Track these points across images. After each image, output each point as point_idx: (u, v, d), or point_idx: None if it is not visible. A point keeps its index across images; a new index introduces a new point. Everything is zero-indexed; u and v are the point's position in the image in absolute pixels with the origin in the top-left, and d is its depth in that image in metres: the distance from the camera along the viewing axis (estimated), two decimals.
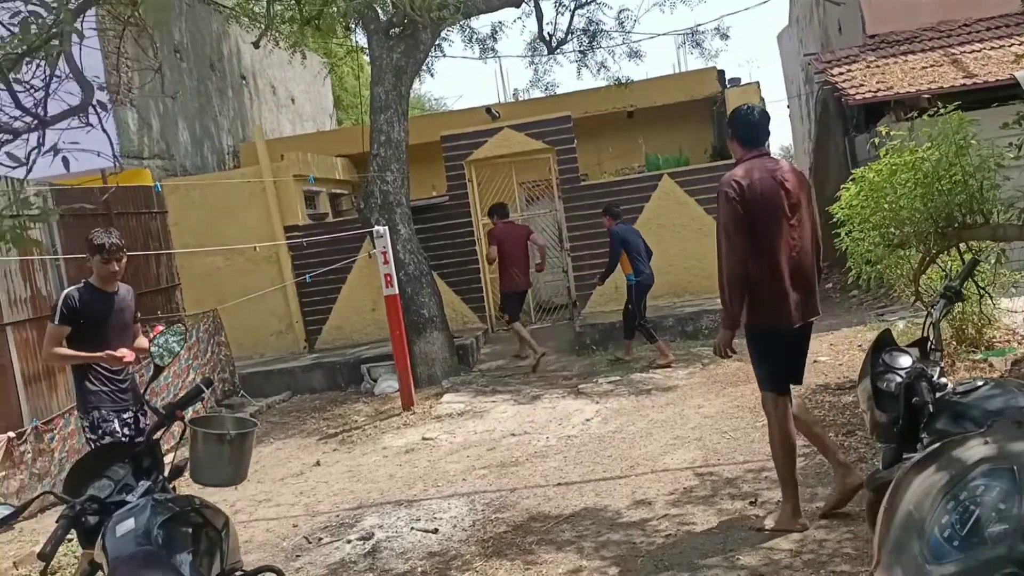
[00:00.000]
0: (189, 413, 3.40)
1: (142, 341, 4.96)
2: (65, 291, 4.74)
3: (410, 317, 9.08)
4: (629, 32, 12.06)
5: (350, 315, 11.15)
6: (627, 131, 13.41)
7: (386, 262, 8.33)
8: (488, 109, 13.17)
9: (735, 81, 12.58)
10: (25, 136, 3.52)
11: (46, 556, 2.56)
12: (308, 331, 11.28)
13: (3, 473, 6.31)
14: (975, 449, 1.48)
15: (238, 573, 2.80)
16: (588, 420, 6.91)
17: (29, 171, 3.36)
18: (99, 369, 4.68)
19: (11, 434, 6.41)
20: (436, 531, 4.92)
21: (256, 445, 3.44)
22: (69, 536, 2.75)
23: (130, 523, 2.56)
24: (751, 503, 4.51)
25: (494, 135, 11.29)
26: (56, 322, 4.62)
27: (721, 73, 13.19)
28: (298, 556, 4.90)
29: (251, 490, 6.32)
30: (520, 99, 18.19)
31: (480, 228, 11.32)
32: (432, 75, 21.77)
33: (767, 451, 4.47)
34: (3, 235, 3.42)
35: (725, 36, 12.38)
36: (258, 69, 15.97)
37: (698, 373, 8.03)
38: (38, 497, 3.01)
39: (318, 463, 6.95)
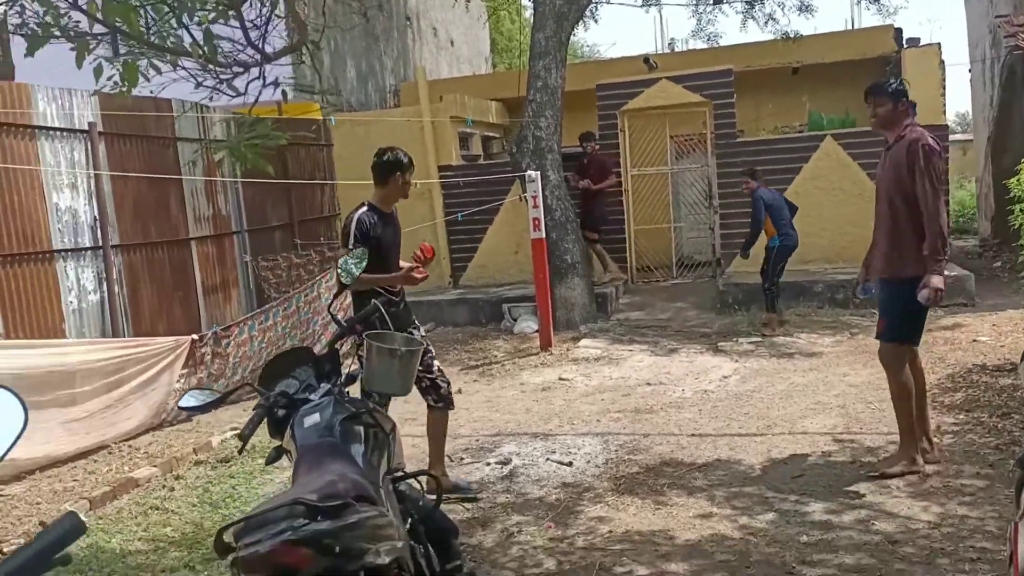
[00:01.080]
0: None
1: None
2: (355, 214, 4.53)
3: (553, 262, 9.29)
4: None
5: (494, 255, 11.46)
6: (790, 88, 12.95)
7: (535, 206, 8.54)
8: (646, 59, 13.02)
9: (913, 41, 11.86)
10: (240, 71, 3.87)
11: (244, 436, 2.95)
12: (454, 268, 11.70)
13: (186, 371, 7.02)
14: None
15: (400, 473, 3.13)
16: (726, 377, 6.95)
17: (255, 102, 3.72)
18: (380, 292, 4.48)
19: (194, 337, 7.09)
20: (570, 464, 5.17)
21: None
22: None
23: (315, 417, 2.89)
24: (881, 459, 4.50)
25: (651, 86, 11.20)
26: (350, 246, 4.40)
27: (899, 32, 12.47)
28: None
29: (399, 408, 6.71)
30: (677, 50, 17.87)
31: (629, 179, 11.33)
32: (596, 21, 21.67)
33: None
34: (242, 156, 3.82)
35: None
36: (421, 10, 16.37)
37: (845, 342, 7.86)
38: (239, 388, 3.42)
39: (459, 391, 7.30)
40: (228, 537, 2.18)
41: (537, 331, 8.95)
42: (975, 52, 15.26)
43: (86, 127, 7.63)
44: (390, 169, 4.59)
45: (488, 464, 5.34)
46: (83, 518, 1.45)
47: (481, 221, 11.24)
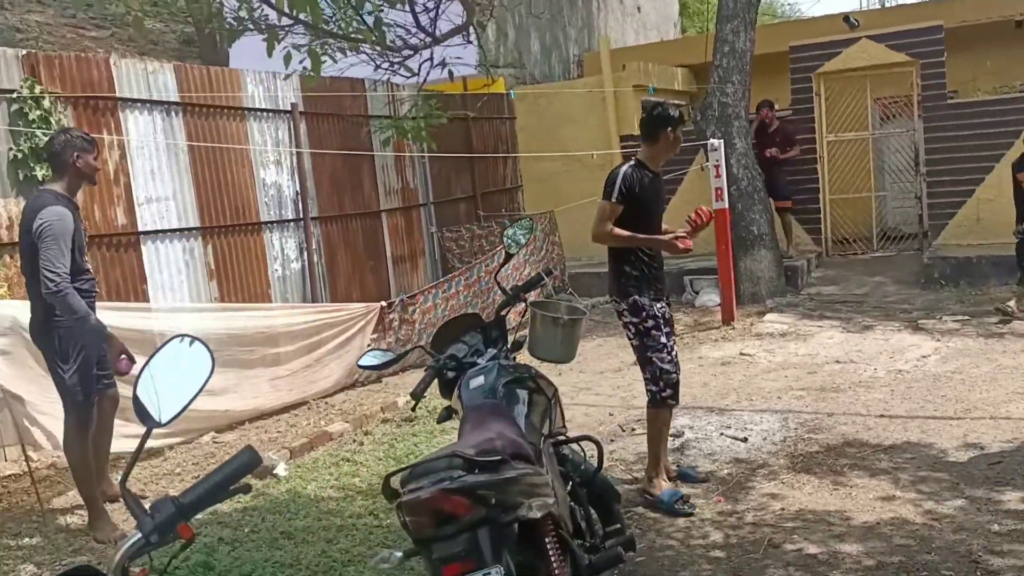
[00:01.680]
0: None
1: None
2: (622, 168, 4.27)
3: (738, 233, 9.00)
4: None
5: (677, 227, 11.24)
6: (1010, 44, 11.70)
7: (718, 176, 8.30)
8: (847, 17, 12.19)
9: None
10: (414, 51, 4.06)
11: (416, 395, 3.13)
12: None
13: (375, 335, 7.46)
14: None
15: (562, 436, 3.20)
16: (924, 357, 6.48)
17: (424, 80, 3.90)
18: (641, 254, 4.26)
19: (383, 303, 7.52)
20: (745, 440, 5.04)
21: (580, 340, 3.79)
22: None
23: (480, 380, 3.02)
24: None
25: (849, 46, 10.50)
26: (613, 199, 4.18)
27: None
28: (612, 440, 5.29)
29: (573, 379, 6.85)
30: (885, 5, 16.61)
31: (824, 145, 10.73)
32: None
33: None
34: (405, 133, 4.04)
35: None
36: None
37: None
38: (412, 349, 3.62)
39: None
40: (395, 483, 2.34)
41: (719, 304, 8.72)
42: None
43: (289, 108, 8.22)
44: (660, 124, 4.30)
45: None
46: (259, 453, 1.61)
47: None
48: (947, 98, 10.12)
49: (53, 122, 6.14)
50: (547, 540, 2.46)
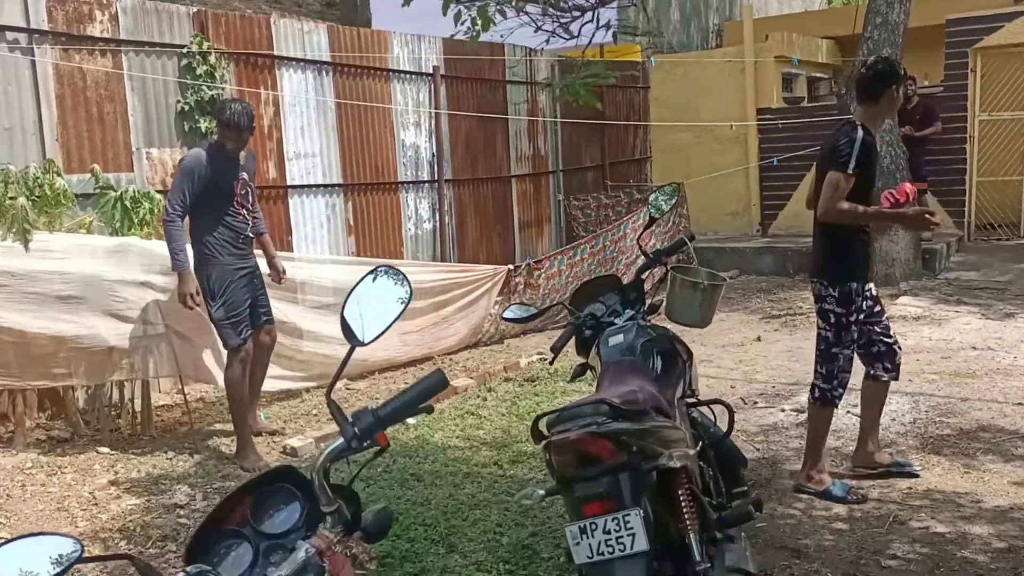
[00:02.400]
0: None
1: None
2: (857, 135, 3.76)
3: None
4: None
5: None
6: None
7: None
8: None
9: None
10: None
11: (556, 348, 3.30)
12: (764, 215, 11.40)
13: (500, 298, 7.69)
14: None
15: (692, 400, 3.30)
16: None
17: (589, 44, 4.00)
18: (864, 234, 3.93)
19: (510, 267, 7.74)
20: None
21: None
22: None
23: (619, 338, 3.16)
24: None
25: (1014, 19, 9.91)
26: (850, 170, 3.71)
27: None
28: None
29: (695, 351, 6.86)
30: None
31: (975, 125, 10.21)
32: None
33: None
34: (576, 92, 4.17)
35: None
36: None
37: None
38: (553, 306, 3.80)
39: (759, 338, 7.27)
40: (542, 426, 2.52)
41: None
42: None
43: (431, 71, 8.49)
44: (885, 81, 3.87)
45: (783, 410, 5.32)
46: (447, 376, 1.80)
47: (799, 168, 10.76)
48: None
49: (217, 77, 6.60)
50: (680, 492, 2.59)
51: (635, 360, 3.02)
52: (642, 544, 2.31)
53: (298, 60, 7.32)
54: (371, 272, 1.81)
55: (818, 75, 13.14)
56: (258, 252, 5.35)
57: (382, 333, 1.75)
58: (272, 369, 6.16)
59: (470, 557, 3.61)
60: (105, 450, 5.15)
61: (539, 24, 4.53)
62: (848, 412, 5.14)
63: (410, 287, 1.79)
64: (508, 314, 3.47)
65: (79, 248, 5.23)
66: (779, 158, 10.26)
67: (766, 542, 3.59)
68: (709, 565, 2.52)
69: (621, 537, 2.33)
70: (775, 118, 10.82)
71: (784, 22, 13.57)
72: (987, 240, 10.32)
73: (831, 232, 3.88)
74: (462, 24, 4.31)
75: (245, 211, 5.05)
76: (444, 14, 3.93)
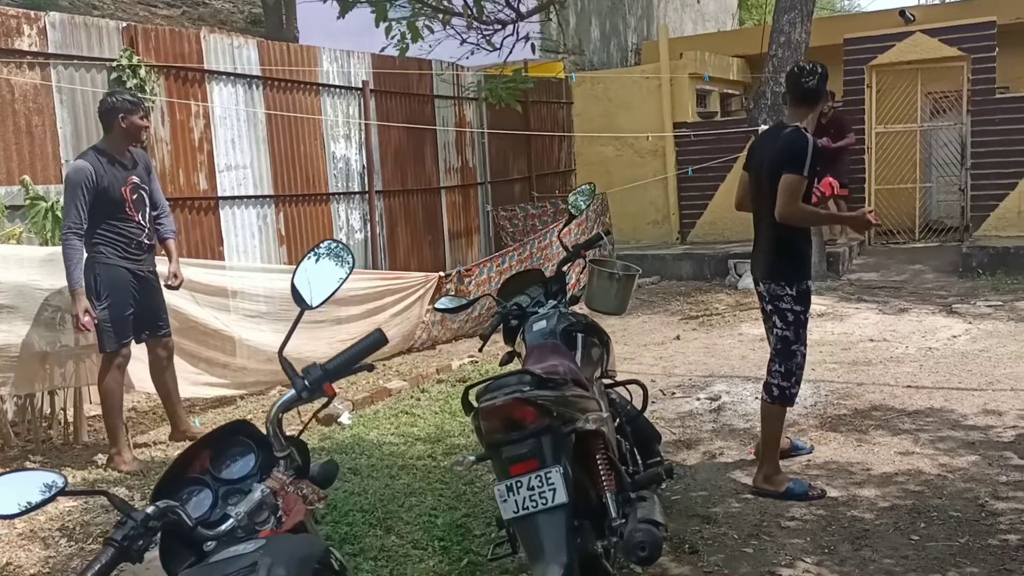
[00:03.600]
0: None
1: None
2: (810, 138, 3.89)
3: None
4: None
5: (724, 213, 11.50)
6: None
7: None
8: (902, 12, 12.35)
9: None
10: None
11: (484, 336, 3.59)
12: (682, 223, 11.93)
13: (432, 305, 7.93)
14: None
15: (608, 381, 3.62)
16: (955, 336, 6.77)
17: (509, 55, 4.32)
18: (810, 234, 4.12)
19: (442, 273, 7.99)
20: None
21: (623, 317, 4.09)
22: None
23: (543, 323, 3.46)
24: None
25: (903, 39, 10.68)
26: (805, 173, 3.82)
27: None
28: (652, 403, 5.68)
29: (617, 350, 7.19)
30: (943, 0, 16.59)
31: (872, 136, 10.93)
32: None
33: None
34: (499, 95, 4.47)
35: None
36: None
37: None
38: (482, 297, 4.07)
39: (678, 337, 7.69)
40: (472, 397, 2.79)
41: None
42: None
43: (360, 85, 8.71)
44: (823, 82, 4.03)
45: (698, 399, 5.71)
46: (386, 335, 2.06)
47: (713, 178, 11.35)
48: (996, 93, 10.25)
49: (148, 90, 6.71)
50: (598, 456, 2.89)
51: (557, 342, 3.32)
52: (562, 497, 2.60)
53: (228, 74, 7.46)
54: (319, 244, 2.06)
55: (729, 91, 13.82)
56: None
57: (327, 299, 2.00)
58: (205, 376, 6.28)
59: (406, 537, 3.84)
60: (39, 458, 5.19)
61: (464, 37, 4.82)
62: (756, 398, 5.55)
63: (353, 259, 2.04)
64: (440, 304, 3.74)
65: (9, 259, 5.24)
66: (693, 168, 10.78)
67: (680, 512, 3.92)
68: (624, 520, 2.83)
69: (543, 492, 2.61)
70: (691, 131, 11.37)
71: (698, 42, 14.23)
72: (885, 244, 11.04)
73: (783, 234, 3.93)
74: (393, 37, 4.57)
75: (140, 216, 4.97)
76: (377, 25, 4.18)
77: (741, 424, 5.11)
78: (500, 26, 4.38)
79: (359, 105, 8.77)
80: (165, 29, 7.22)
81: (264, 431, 1.93)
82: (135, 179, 5.01)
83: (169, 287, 5.17)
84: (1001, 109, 10.00)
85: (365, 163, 8.82)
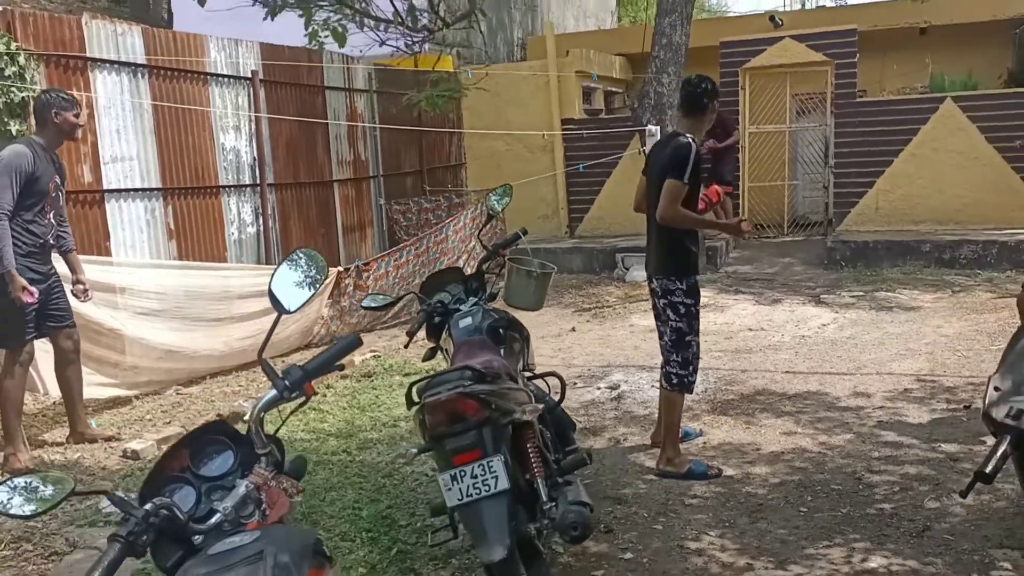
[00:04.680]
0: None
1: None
2: (692, 146, 4.17)
3: None
4: None
5: (611, 208, 11.94)
6: (916, 49, 12.80)
7: None
8: (772, 17, 13.11)
9: None
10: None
11: (411, 332, 3.72)
12: (571, 218, 12.28)
13: (330, 300, 7.93)
14: None
15: (529, 374, 3.82)
16: (824, 325, 7.37)
17: (421, 50, 4.36)
18: (697, 234, 4.44)
19: (340, 268, 7.99)
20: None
21: (522, 310, 4.29)
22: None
23: (468, 320, 3.62)
24: (964, 407, 4.91)
25: (774, 44, 11.36)
26: (686, 179, 4.12)
27: None
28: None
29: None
30: (807, 7, 17.68)
31: (746, 136, 11.60)
32: None
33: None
34: (435, 102, 4.57)
35: None
36: None
37: (945, 299, 8.10)
38: (405, 296, 4.19)
39: (573, 329, 8.00)
40: (414, 393, 2.93)
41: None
42: None
43: (249, 75, 8.56)
44: (709, 96, 4.34)
45: (599, 388, 6.00)
46: (361, 337, 2.17)
47: (600, 174, 11.74)
48: (856, 96, 11.09)
49: (28, 78, 6.41)
50: (529, 445, 3.09)
51: (483, 338, 3.49)
52: (504, 484, 2.78)
53: (112, 62, 7.20)
54: (292, 252, 2.16)
55: (613, 89, 14.29)
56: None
57: (303, 305, 2.10)
58: (97, 377, 6.09)
59: (333, 530, 3.93)
60: None
61: (383, 39, 4.90)
62: (652, 386, 5.90)
63: (326, 267, 2.15)
64: (367, 303, 3.83)
65: None
66: (584, 164, 11.14)
67: (592, 494, 4.13)
68: (554, 504, 3.03)
69: (486, 479, 2.78)
70: (578, 128, 11.73)
71: (581, 39, 14.62)
72: (757, 238, 11.75)
73: (672, 234, 4.25)
74: (317, 37, 4.60)
75: (51, 216, 4.99)
76: (307, 28, 4.19)
77: (641, 411, 5.43)
78: (429, 33, 4.50)
79: (248, 95, 8.61)
80: (45, 15, 6.90)
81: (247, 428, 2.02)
82: (58, 179, 5.03)
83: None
84: (861, 112, 10.81)
85: (256, 155, 8.68)
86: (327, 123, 9.65)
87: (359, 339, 2.17)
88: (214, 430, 2.04)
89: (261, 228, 8.76)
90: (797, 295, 8.69)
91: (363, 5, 4.61)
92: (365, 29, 4.87)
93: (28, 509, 1.72)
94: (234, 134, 8.50)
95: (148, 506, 1.74)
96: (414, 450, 2.93)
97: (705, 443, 4.78)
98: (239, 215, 8.57)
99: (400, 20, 4.44)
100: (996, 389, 1.97)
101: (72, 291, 5.24)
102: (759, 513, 3.88)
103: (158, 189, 7.63)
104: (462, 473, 2.79)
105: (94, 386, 6.01)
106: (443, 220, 9.78)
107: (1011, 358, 2.05)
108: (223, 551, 1.72)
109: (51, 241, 5.04)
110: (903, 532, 3.60)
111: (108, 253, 7.11)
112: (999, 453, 1.79)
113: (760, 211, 11.90)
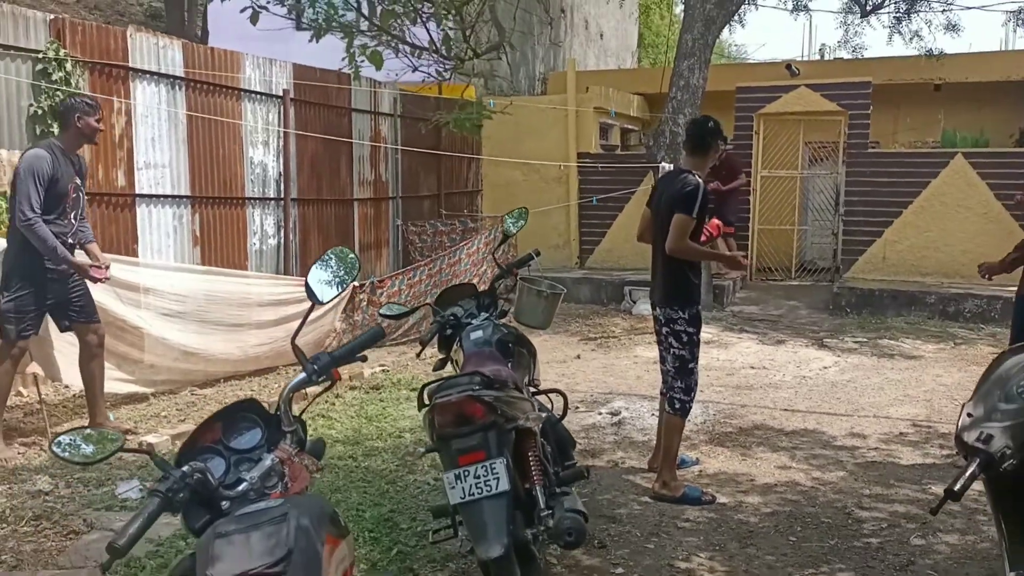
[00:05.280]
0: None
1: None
2: (699, 183, 4.42)
3: None
4: (950, 3, 11.68)
5: (621, 242, 12.15)
6: (929, 104, 13.08)
7: None
8: (788, 66, 13.42)
9: None
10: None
11: (424, 341, 3.90)
12: (582, 249, 12.49)
13: (344, 314, 8.14)
14: None
15: (533, 389, 4.00)
16: (825, 367, 7.52)
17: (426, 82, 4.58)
18: (699, 266, 4.70)
19: (356, 284, 8.20)
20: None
21: (531, 334, 4.49)
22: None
23: (479, 333, 3.80)
24: (958, 454, 5.04)
25: (789, 92, 11.63)
26: (694, 215, 4.37)
27: None
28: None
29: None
30: (825, 58, 18.01)
31: (758, 180, 11.82)
32: (743, 25, 21.82)
33: None
34: (462, 125, 4.82)
35: None
36: (576, 3, 17.15)
37: (948, 350, 8.25)
38: (423, 306, 4.38)
39: (579, 356, 8.17)
40: (426, 395, 3.11)
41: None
42: None
43: (281, 93, 8.85)
44: (715, 136, 4.59)
45: (600, 414, 6.16)
46: (384, 328, 2.37)
47: (612, 208, 11.98)
48: (869, 147, 11.32)
49: (73, 84, 6.69)
50: (530, 453, 3.26)
51: (493, 351, 3.67)
52: (505, 485, 2.95)
53: (152, 73, 7.49)
54: (330, 250, 2.37)
55: (630, 127, 14.59)
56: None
57: (335, 298, 2.30)
58: (116, 372, 6.29)
59: None
60: None
61: (416, 65, 5.18)
62: (652, 415, 6.06)
63: (359, 264, 2.35)
64: (384, 311, 4.02)
65: None
66: (598, 197, 11.38)
67: (588, 512, 4.30)
68: (550, 511, 3.20)
69: (488, 480, 2.95)
70: (594, 162, 11.99)
71: (601, 77, 14.96)
72: (764, 280, 11.93)
73: (677, 265, 4.47)
74: (356, 61, 4.87)
75: (73, 216, 5.17)
76: (347, 51, 4.45)
77: (640, 437, 5.58)
78: (460, 62, 4.76)
79: (279, 113, 8.90)
80: (92, 24, 7.20)
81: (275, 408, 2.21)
82: (78, 180, 5.22)
83: (95, 279, 5.24)
84: (872, 162, 11.04)
85: (282, 170, 8.95)
86: (351, 143, 9.92)
87: (383, 331, 2.36)
88: (246, 408, 2.23)
89: (282, 240, 9.00)
90: (801, 337, 8.85)
91: (400, 32, 4.89)
92: (399, 55, 5.14)
93: (85, 454, 1.92)
94: (263, 149, 8.78)
95: (185, 468, 1.93)
96: (421, 450, 3.11)
97: (701, 471, 4.93)
98: (262, 227, 8.81)
99: (435, 48, 4.70)
100: (968, 415, 2.13)
101: (90, 273, 5.25)
102: (749, 539, 4.02)
103: (187, 197, 7.89)
104: (466, 473, 2.96)
105: (114, 381, 6.20)
106: (457, 243, 10.00)
107: (984, 387, 2.21)
108: (251, 512, 1.90)
109: (71, 241, 5.20)
110: (888, 565, 3.74)
111: (135, 255, 7.33)
112: (967, 474, 1.96)
113: (768, 254, 12.09)
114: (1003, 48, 15.77)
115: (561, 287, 4.46)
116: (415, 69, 5.38)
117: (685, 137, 4.68)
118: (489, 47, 4.56)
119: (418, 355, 4.19)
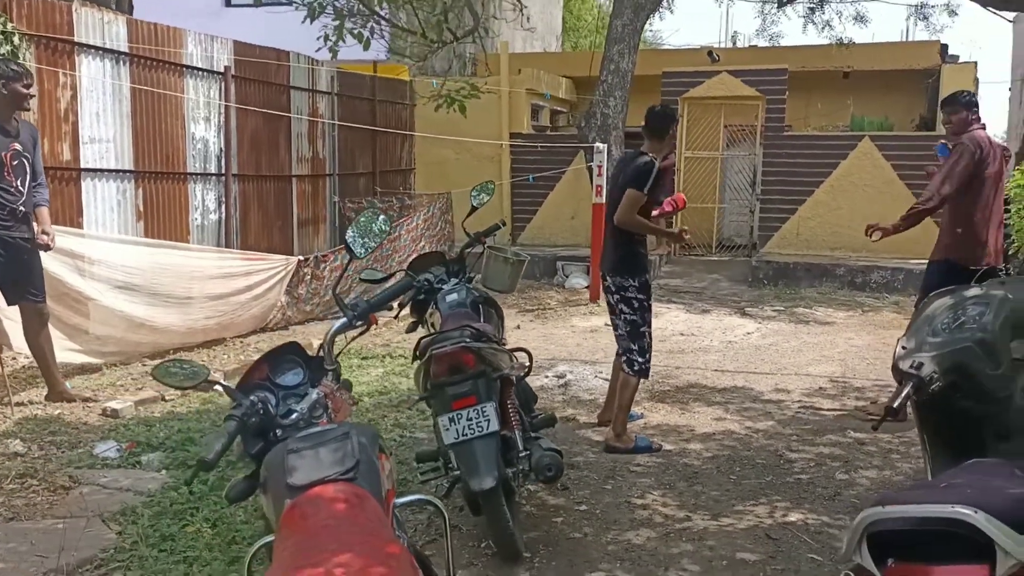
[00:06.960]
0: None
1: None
2: (654, 162, 4.79)
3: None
4: None
5: (552, 219, 12.61)
6: (838, 90, 13.90)
7: (600, 174, 9.70)
8: (710, 52, 14.04)
9: (953, 58, 12.81)
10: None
11: (402, 304, 4.20)
12: (514, 227, 12.88)
13: (289, 288, 8.31)
14: (972, 291, 2.63)
15: (504, 345, 4.35)
16: (749, 333, 8.13)
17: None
18: (645, 238, 5.02)
19: (301, 258, 8.39)
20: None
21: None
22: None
23: (454, 295, 4.13)
24: (872, 403, 5.66)
25: (711, 77, 12.23)
26: (645, 191, 4.72)
27: (944, 48, 13.36)
28: None
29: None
30: (738, 45, 18.80)
31: (682, 160, 12.41)
32: (672, 11, 22.18)
33: None
34: (451, 101, 5.08)
35: (954, 13, 12.62)
36: None
37: (857, 316, 9.00)
38: (398, 271, 4.67)
39: (519, 327, 8.56)
40: (421, 348, 3.44)
41: (587, 287, 10.15)
42: (1017, 72, 16.05)
43: (222, 69, 8.90)
44: (671, 122, 5.00)
45: (547, 377, 6.57)
46: (413, 281, 2.69)
47: (543, 187, 12.40)
48: (783, 130, 12.03)
49: (20, 58, 6.66)
50: (509, 400, 3.63)
51: (468, 311, 4.01)
52: (495, 426, 3.31)
53: (97, 48, 7.48)
54: (364, 210, 2.68)
55: (559, 109, 15.00)
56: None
57: (370, 253, 2.61)
58: (68, 343, 6.37)
59: None
60: None
61: (392, 47, 5.44)
62: (596, 376, 6.51)
63: (389, 223, 2.66)
64: (365, 276, 4.30)
65: None
66: (535, 175, 11.78)
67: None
68: (528, 452, 3.58)
69: (480, 422, 3.31)
70: (526, 142, 12.36)
71: (531, 59, 15.32)
72: (687, 256, 12.56)
73: (625, 236, 4.89)
74: (331, 41, 5.08)
75: (19, 182, 5.21)
76: (338, 31, 4.64)
77: (586, 396, 6.02)
78: (441, 44, 5.03)
79: (220, 89, 8.95)
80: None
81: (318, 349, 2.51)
82: (17, 146, 5.23)
83: (39, 246, 5.30)
84: (788, 145, 11.76)
85: (223, 146, 9.01)
86: (290, 118, 10.03)
87: (410, 283, 2.68)
88: (289, 350, 2.52)
89: (223, 216, 9.07)
90: (724, 307, 9.47)
91: (387, 14, 5.15)
92: (376, 37, 5.40)
93: (181, 382, 2.20)
94: (204, 125, 8.82)
95: (252, 397, 2.22)
96: (415, 397, 3.44)
97: (646, 424, 5.40)
98: (203, 202, 8.87)
99: (423, 32, 4.95)
100: (903, 347, 2.53)
101: (36, 240, 5.35)
102: (695, 479, 4.49)
103: (131, 171, 7.91)
104: (459, 416, 3.32)
105: (66, 351, 6.28)
106: (395, 220, 10.24)
107: (916, 324, 2.63)
108: (313, 432, 2.21)
109: (22, 208, 5.23)
110: (818, 496, 4.26)
111: (81, 228, 7.35)
112: (903, 394, 2.33)
113: (692, 231, 12.66)
114: (904, 39, 16.81)
115: (525, 255, 4.83)
116: (389, 51, 5.63)
117: (645, 123, 5.06)
118: (466, 32, 4.84)
119: (395, 316, 4.49)
